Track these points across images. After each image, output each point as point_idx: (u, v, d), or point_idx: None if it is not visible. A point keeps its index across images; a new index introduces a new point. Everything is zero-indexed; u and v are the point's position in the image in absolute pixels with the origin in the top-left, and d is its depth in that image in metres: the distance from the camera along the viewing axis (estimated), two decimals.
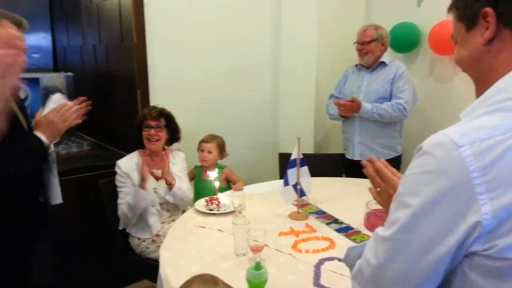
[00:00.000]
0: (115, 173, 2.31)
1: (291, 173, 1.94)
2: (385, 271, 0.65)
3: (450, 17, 0.79)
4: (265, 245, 1.55)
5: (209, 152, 2.56)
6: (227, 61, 3.02)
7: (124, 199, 2.23)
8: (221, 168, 2.63)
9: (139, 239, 2.25)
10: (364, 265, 0.70)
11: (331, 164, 2.95)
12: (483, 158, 0.55)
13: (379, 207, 1.96)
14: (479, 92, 0.71)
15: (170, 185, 2.23)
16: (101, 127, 3.15)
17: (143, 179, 2.16)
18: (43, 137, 1.56)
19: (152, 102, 2.66)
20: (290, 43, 3.19)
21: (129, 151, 2.42)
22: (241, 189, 2.37)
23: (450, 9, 0.77)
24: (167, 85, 2.77)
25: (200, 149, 2.61)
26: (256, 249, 1.52)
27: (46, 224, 1.81)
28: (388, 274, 0.64)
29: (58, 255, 2.45)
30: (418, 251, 0.60)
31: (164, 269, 1.47)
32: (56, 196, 1.73)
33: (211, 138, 2.60)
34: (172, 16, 2.73)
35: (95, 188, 2.33)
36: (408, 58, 3.25)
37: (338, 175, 2.84)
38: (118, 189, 2.28)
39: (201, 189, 2.61)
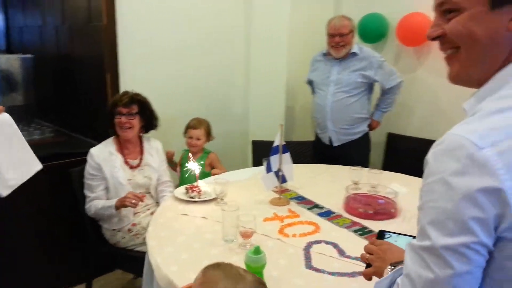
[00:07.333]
0: (84, 161, 2.21)
1: (274, 159, 1.95)
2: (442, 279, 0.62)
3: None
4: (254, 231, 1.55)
5: (198, 139, 2.53)
6: (201, 46, 2.96)
7: (91, 196, 2.15)
8: (207, 153, 2.61)
9: (113, 229, 2.17)
10: (414, 279, 0.65)
11: (302, 151, 2.99)
12: (507, 157, 0.57)
13: (358, 191, 2.04)
14: (480, 75, 0.69)
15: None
16: (65, 113, 2.98)
17: (122, 204, 2.05)
18: None
19: (123, 87, 2.55)
20: (262, 31, 3.18)
21: (97, 138, 2.31)
22: (218, 173, 2.38)
23: None
24: (138, 69, 2.66)
25: (188, 136, 2.56)
26: (247, 235, 1.53)
27: None
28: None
29: (23, 248, 2.32)
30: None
31: (155, 258, 1.44)
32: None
33: (199, 123, 2.55)
34: None
35: (63, 177, 2.22)
36: (375, 48, 3.33)
37: (309, 162, 2.89)
38: (86, 180, 2.17)
39: (185, 172, 2.58)
